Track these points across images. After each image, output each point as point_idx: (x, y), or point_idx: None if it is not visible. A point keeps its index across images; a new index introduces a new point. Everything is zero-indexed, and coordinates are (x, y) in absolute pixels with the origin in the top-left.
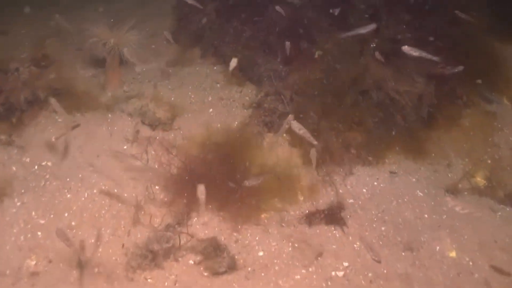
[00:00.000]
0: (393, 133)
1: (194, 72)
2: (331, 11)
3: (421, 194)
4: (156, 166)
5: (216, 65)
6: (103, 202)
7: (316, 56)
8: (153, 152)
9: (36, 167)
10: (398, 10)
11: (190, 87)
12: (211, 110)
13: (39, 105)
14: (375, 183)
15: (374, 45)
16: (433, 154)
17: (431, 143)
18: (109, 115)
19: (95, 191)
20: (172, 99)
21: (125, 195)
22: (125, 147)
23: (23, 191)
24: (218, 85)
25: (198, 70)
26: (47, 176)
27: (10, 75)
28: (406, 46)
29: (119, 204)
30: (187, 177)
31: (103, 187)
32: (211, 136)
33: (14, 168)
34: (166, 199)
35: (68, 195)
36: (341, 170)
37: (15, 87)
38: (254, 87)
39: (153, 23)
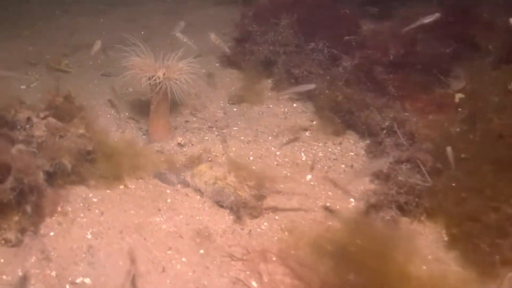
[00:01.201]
0: None
1: (268, 112)
2: None
3: None
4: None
5: (296, 101)
6: None
7: (456, 100)
8: (244, 257)
9: (67, 286)
10: None
11: (269, 138)
12: (309, 177)
13: (64, 179)
14: None
15: None
16: None
17: None
18: (168, 191)
19: None
20: (251, 158)
21: None
22: (201, 251)
23: None
24: (307, 133)
25: (272, 109)
26: None
27: (20, 131)
28: None
29: None
30: None
31: None
32: (323, 227)
33: None
34: None
35: None
36: None
37: (29, 159)
38: (357, 138)
39: (203, 42)
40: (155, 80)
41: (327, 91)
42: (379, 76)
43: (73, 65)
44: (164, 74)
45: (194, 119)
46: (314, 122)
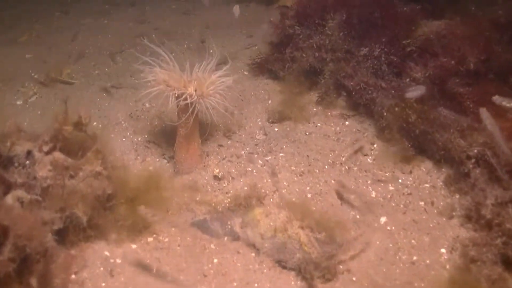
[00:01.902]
0: None
1: (316, 132)
2: None
3: None
4: None
5: (348, 119)
6: None
7: None
8: None
9: None
10: None
11: (325, 167)
12: (384, 220)
13: (78, 235)
14: None
15: None
16: None
17: None
18: (212, 246)
19: None
20: (309, 195)
21: None
22: None
23: None
24: (369, 159)
25: (321, 129)
26: None
27: (18, 170)
28: None
29: None
30: None
31: None
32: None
33: None
34: None
35: None
36: None
37: (33, 218)
38: (430, 165)
39: (225, 47)
40: (185, 98)
41: (396, 109)
42: (455, 89)
43: (77, 75)
44: (196, 90)
45: (229, 142)
46: (375, 145)
